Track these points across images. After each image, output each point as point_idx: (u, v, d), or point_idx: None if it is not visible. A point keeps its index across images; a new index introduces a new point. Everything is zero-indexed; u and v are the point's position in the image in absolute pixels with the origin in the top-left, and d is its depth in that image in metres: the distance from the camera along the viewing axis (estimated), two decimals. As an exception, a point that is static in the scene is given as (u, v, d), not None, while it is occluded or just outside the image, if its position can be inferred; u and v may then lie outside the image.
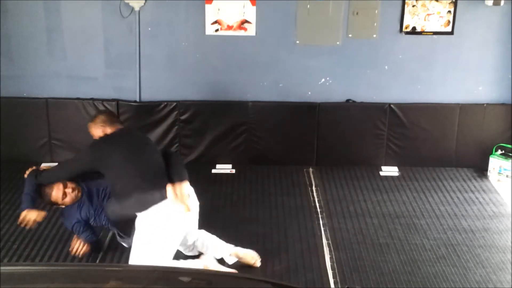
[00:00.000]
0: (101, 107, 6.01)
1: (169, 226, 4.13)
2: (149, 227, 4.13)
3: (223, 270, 4.30)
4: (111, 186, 4.34)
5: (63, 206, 4.56)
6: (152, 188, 4.11)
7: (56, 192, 4.44)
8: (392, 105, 6.10)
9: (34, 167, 4.58)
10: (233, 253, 4.52)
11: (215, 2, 5.84)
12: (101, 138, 4.42)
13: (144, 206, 4.10)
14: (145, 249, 4.12)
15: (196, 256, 4.56)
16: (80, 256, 4.50)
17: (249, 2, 5.85)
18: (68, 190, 4.48)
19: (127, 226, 4.40)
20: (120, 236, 4.64)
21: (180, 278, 2.65)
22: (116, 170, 4.19)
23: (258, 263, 4.51)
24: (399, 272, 4.50)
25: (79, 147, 5.73)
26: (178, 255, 4.44)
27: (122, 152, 4.22)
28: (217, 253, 4.55)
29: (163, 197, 4.07)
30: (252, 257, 4.52)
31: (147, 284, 2.56)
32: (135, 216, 4.18)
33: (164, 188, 4.08)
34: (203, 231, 4.59)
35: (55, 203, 4.54)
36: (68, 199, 4.49)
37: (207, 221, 4.78)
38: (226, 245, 4.55)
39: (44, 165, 5.14)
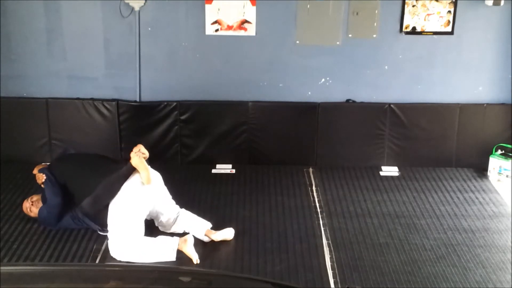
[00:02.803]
0: (101, 107, 6.02)
1: (136, 200, 4.59)
2: (118, 207, 4.55)
3: (193, 252, 4.58)
4: (78, 192, 4.85)
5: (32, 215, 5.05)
6: (108, 174, 4.67)
7: (24, 204, 5.09)
8: (392, 105, 6.10)
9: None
10: (207, 234, 4.82)
11: (215, 2, 5.84)
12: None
13: (113, 191, 4.59)
14: (119, 228, 4.54)
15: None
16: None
17: (249, 2, 5.85)
18: (34, 199, 5.05)
19: (104, 220, 4.70)
20: (101, 230, 4.83)
21: (180, 278, 2.65)
22: (73, 179, 4.90)
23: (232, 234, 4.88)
24: (399, 272, 4.50)
25: (79, 147, 5.77)
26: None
27: (70, 166, 5.03)
28: (193, 231, 4.84)
29: (124, 175, 4.62)
30: (230, 234, 4.85)
31: (147, 284, 2.56)
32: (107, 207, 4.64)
33: (119, 169, 4.66)
34: (182, 211, 4.92)
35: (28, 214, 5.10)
36: (33, 209, 5.02)
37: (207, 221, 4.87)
38: (202, 224, 4.87)
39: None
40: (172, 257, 4.55)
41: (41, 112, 6.05)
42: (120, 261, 4.52)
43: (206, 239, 4.83)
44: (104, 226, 4.75)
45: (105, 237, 4.79)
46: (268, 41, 6.01)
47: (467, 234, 5.03)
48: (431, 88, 6.15)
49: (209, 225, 4.88)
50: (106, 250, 4.68)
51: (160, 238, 4.66)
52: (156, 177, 4.78)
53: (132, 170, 4.64)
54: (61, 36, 6.00)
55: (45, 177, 4.92)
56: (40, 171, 5.02)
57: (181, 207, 5.00)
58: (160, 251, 4.57)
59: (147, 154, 4.71)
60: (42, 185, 4.97)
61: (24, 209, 5.05)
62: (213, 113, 6.10)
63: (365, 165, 6.17)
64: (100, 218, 4.73)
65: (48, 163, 5.33)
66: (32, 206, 5.00)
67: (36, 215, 4.96)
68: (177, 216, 4.89)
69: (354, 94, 6.16)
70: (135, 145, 4.92)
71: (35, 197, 5.05)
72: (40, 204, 4.95)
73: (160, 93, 6.10)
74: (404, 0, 5.87)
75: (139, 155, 4.64)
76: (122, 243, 4.53)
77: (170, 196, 4.94)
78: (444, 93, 6.15)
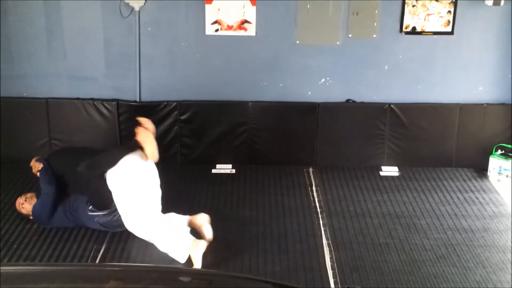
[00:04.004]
0: (101, 107, 6.02)
1: (135, 171, 4.57)
2: (123, 182, 4.51)
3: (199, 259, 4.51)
4: (73, 183, 4.85)
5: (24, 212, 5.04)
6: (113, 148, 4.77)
7: (18, 200, 5.09)
8: (392, 105, 6.10)
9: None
10: (191, 221, 4.75)
11: (215, 2, 5.84)
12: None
13: (112, 160, 4.56)
14: (132, 204, 4.48)
15: None
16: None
17: (249, 2, 5.86)
18: (27, 196, 5.06)
19: (99, 200, 4.70)
20: (93, 211, 4.78)
21: (180, 278, 2.65)
22: (69, 171, 4.87)
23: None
24: (399, 272, 4.50)
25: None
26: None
27: (67, 158, 5.04)
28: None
29: (126, 148, 4.65)
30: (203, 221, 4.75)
31: (147, 284, 2.56)
32: (104, 175, 4.57)
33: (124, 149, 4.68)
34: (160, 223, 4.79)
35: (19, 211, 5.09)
36: (26, 205, 5.01)
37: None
38: (182, 220, 4.80)
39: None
40: (183, 259, 4.50)
41: (41, 112, 6.05)
42: (137, 237, 4.53)
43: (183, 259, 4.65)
44: (95, 206, 4.72)
45: (105, 237, 4.80)
46: (268, 41, 6.01)
47: (467, 234, 5.03)
48: (431, 88, 6.15)
49: (187, 217, 4.82)
50: (106, 250, 4.69)
51: (176, 229, 4.62)
52: (154, 167, 4.75)
53: (137, 146, 4.60)
54: (61, 36, 6.00)
55: (41, 166, 4.97)
56: (37, 160, 5.08)
57: (181, 207, 5.00)
58: (175, 246, 4.53)
59: (152, 128, 4.69)
60: (38, 174, 4.99)
61: (16, 205, 5.05)
62: (213, 113, 6.10)
63: (365, 165, 6.17)
64: (92, 192, 4.66)
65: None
66: (25, 203, 5.00)
67: (29, 212, 4.96)
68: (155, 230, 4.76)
69: (354, 94, 6.16)
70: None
71: (29, 194, 5.07)
72: (34, 200, 4.95)
73: (160, 93, 6.10)
74: (404, 0, 5.87)
75: (145, 130, 4.62)
76: (132, 214, 4.45)
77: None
78: (444, 93, 6.15)
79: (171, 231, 4.56)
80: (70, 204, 4.87)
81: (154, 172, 4.77)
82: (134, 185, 4.54)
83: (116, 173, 4.54)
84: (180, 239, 4.52)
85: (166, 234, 4.54)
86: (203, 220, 4.73)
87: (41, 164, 4.99)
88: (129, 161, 4.58)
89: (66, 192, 4.95)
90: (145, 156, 4.63)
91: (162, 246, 4.55)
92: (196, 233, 4.74)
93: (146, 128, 4.67)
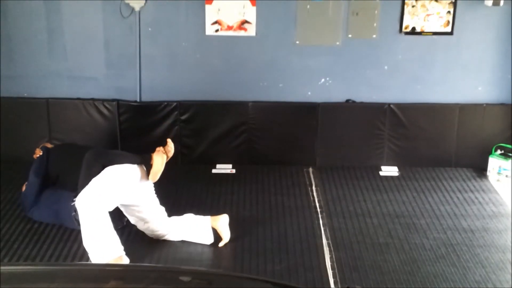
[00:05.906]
0: (102, 107, 6.03)
1: (127, 180, 4.45)
2: (112, 175, 4.41)
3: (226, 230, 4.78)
4: (65, 185, 4.89)
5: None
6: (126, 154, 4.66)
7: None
8: (392, 105, 6.11)
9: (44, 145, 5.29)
10: (213, 225, 4.79)
11: (215, 2, 5.85)
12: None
13: (115, 159, 4.50)
14: (97, 188, 4.32)
15: None
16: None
17: (249, 2, 5.86)
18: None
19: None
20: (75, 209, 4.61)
21: (180, 278, 2.66)
22: (64, 171, 4.97)
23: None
24: (399, 271, 4.51)
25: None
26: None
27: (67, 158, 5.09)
28: (195, 238, 4.82)
29: (134, 158, 4.56)
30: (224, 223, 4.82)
31: (147, 284, 2.56)
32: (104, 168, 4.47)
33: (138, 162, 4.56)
34: (173, 220, 4.81)
35: None
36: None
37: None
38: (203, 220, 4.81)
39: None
40: (209, 239, 4.74)
41: (41, 112, 6.06)
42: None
43: (210, 239, 4.77)
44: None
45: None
46: (268, 41, 6.01)
47: (466, 234, 5.04)
48: (431, 88, 6.16)
49: (208, 217, 4.82)
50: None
51: (188, 218, 4.80)
52: (151, 187, 4.70)
53: (147, 161, 4.55)
54: (62, 36, 6.00)
55: (40, 154, 5.07)
56: (41, 148, 5.16)
57: (181, 207, 5.01)
58: (196, 230, 4.73)
59: (172, 152, 4.71)
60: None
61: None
62: (213, 113, 6.10)
63: (365, 165, 6.18)
64: (87, 179, 4.51)
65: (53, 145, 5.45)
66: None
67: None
68: (169, 227, 4.79)
69: (354, 94, 6.17)
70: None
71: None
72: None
73: (160, 93, 6.11)
74: (404, 0, 5.87)
75: (163, 153, 4.63)
76: (94, 195, 4.30)
77: (162, 209, 4.78)
78: (443, 93, 6.16)
79: (186, 221, 4.78)
80: (54, 198, 4.91)
81: (149, 192, 4.68)
82: (118, 188, 4.43)
83: (114, 169, 4.47)
84: (197, 222, 4.74)
85: (181, 225, 4.75)
86: (224, 222, 4.79)
87: (41, 152, 5.08)
88: (131, 169, 4.52)
89: (54, 186, 4.98)
90: (147, 176, 4.57)
91: (182, 235, 4.75)
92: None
93: (166, 151, 4.66)
